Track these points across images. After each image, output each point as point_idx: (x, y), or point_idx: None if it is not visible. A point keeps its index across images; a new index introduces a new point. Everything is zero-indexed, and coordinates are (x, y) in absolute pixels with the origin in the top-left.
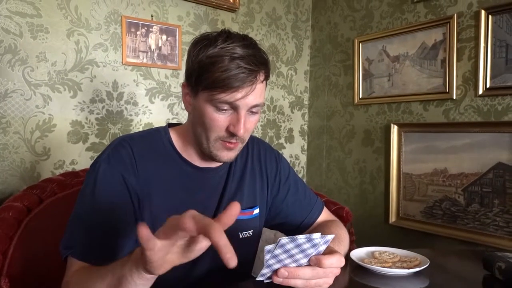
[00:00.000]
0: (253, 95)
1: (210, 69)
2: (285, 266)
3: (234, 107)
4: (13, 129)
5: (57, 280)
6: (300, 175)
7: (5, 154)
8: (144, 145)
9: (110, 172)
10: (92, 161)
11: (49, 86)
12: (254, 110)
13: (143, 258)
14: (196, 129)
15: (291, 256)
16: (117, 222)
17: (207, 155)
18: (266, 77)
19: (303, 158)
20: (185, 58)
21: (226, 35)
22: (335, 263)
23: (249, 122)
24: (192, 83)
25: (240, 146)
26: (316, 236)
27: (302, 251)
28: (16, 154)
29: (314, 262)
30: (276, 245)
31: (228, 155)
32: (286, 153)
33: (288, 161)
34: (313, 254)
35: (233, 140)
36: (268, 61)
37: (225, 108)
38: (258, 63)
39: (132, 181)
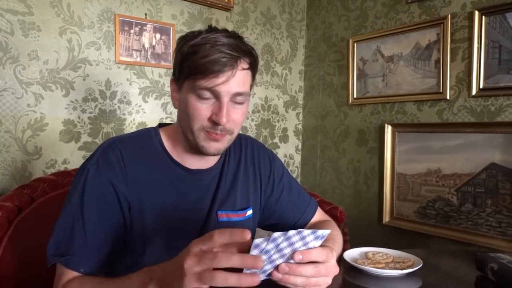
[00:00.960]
0: (235, 81)
1: (192, 57)
2: (273, 262)
3: (216, 95)
4: (4, 128)
5: (49, 281)
6: (294, 175)
7: None
8: (134, 148)
9: (98, 178)
10: (83, 162)
11: (41, 84)
12: (238, 99)
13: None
14: (182, 123)
15: (280, 250)
16: (107, 229)
17: (194, 148)
18: (251, 67)
19: (298, 158)
20: None
21: (211, 29)
22: (319, 256)
23: (235, 112)
24: (176, 75)
25: (228, 138)
26: (307, 232)
27: (291, 245)
28: (7, 153)
29: (297, 257)
30: (268, 239)
31: (215, 147)
32: (281, 152)
33: (282, 160)
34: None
35: (218, 131)
36: (253, 52)
37: (207, 96)
38: (240, 50)
39: (121, 187)
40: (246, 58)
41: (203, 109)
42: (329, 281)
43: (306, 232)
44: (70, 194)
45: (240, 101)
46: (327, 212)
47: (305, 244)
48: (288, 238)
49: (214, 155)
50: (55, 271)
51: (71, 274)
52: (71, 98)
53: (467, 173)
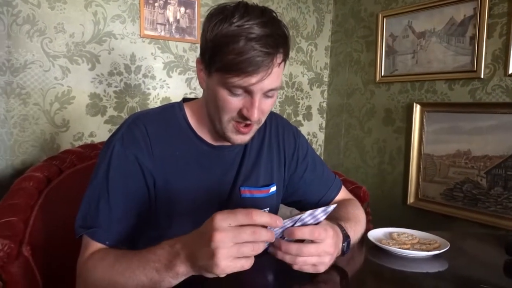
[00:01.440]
0: (269, 79)
1: (223, 49)
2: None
3: (248, 91)
4: (33, 100)
5: (77, 250)
6: (317, 153)
7: (25, 125)
8: (158, 123)
9: (124, 154)
10: (108, 136)
11: (68, 57)
12: (269, 93)
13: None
14: (210, 109)
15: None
16: (132, 203)
17: (221, 136)
18: (285, 57)
19: (321, 136)
20: None
21: (244, 9)
22: (306, 234)
23: (265, 105)
24: (206, 62)
25: (255, 127)
26: (319, 210)
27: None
28: (36, 125)
29: (286, 234)
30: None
31: (242, 138)
32: (304, 130)
33: (307, 139)
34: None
35: (247, 122)
36: (288, 38)
37: (239, 92)
38: (276, 44)
39: (146, 162)
40: (281, 51)
41: (234, 103)
42: (324, 260)
43: (317, 211)
44: (97, 168)
45: (272, 94)
46: (350, 191)
47: (316, 220)
48: (301, 220)
49: (241, 144)
50: (81, 240)
51: (96, 245)
52: (97, 71)
53: (498, 155)
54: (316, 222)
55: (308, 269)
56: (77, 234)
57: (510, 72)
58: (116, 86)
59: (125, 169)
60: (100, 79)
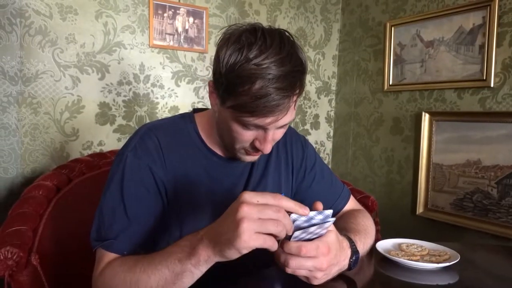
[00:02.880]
0: (285, 118)
1: (238, 89)
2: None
3: (262, 128)
4: (44, 110)
5: (85, 258)
6: (325, 162)
7: (36, 133)
8: (170, 135)
9: (137, 164)
10: (120, 148)
11: (78, 67)
12: (284, 128)
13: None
14: (221, 132)
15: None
16: (148, 213)
17: (231, 155)
18: (301, 91)
19: (329, 145)
20: (212, 40)
21: (262, 41)
22: (293, 249)
23: (277, 135)
24: (219, 94)
25: None
26: (313, 228)
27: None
28: (46, 134)
29: (294, 250)
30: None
31: (251, 158)
32: (312, 139)
33: (314, 147)
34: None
35: (258, 153)
36: (305, 70)
37: (252, 128)
38: (293, 85)
39: (159, 173)
40: (299, 87)
41: (246, 135)
42: (315, 275)
43: (311, 229)
44: (109, 181)
45: (285, 126)
46: (358, 201)
47: (315, 234)
48: (295, 237)
49: (250, 161)
50: (90, 250)
51: (113, 256)
52: (106, 81)
53: (509, 165)
54: (318, 231)
55: (301, 278)
56: (93, 247)
57: None
58: (125, 96)
59: (139, 180)
60: (109, 88)
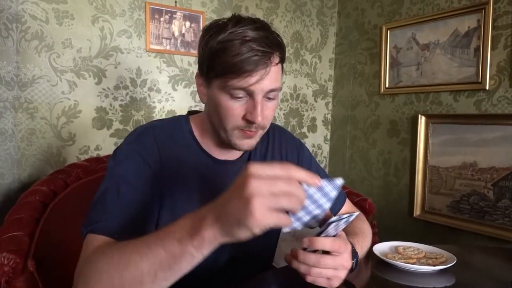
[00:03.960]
0: (268, 79)
1: (221, 55)
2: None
3: (249, 94)
4: (40, 115)
5: None
6: (322, 165)
7: (32, 139)
8: (166, 134)
9: (132, 155)
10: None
11: (75, 72)
12: (270, 95)
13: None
14: (213, 120)
15: (315, 201)
16: (140, 200)
17: (226, 144)
18: (281, 60)
19: (326, 148)
20: None
21: (236, 20)
22: (327, 245)
23: (267, 109)
24: (205, 72)
25: (260, 132)
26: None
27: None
28: (43, 139)
29: (306, 243)
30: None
31: (248, 143)
32: (309, 142)
33: (310, 150)
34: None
35: (252, 129)
36: (282, 43)
37: (240, 95)
38: (271, 44)
39: (154, 167)
40: (277, 51)
41: (236, 108)
42: (339, 274)
43: (341, 222)
44: (105, 176)
45: (273, 96)
46: (355, 203)
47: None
48: (323, 231)
49: (247, 150)
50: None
51: (102, 239)
52: (103, 85)
53: (505, 167)
54: (336, 232)
55: (322, 282)
56: (83, 233)
57: None
58: (122, 100)
59: (134, 168)
60: (106, 93)
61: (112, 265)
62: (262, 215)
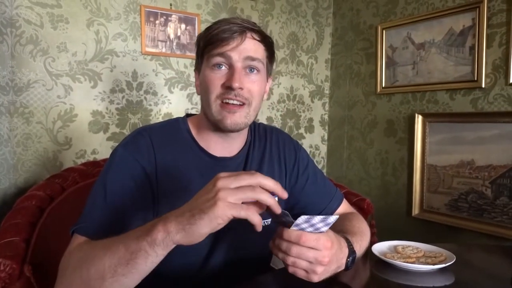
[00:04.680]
0: (245, 47)
1: (205, 34)
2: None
3: (228, 62)
4: (36, 119)
5: None
6: (320, 166)
7: (28, 143)
8: (163, 135)
9: (126, 157)
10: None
11: (70, 76)
12: (252, 64)
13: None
14: (203, 102)
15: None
16: (130, 204)
17: (214, 124)
18: (264, 43)
19: (323, 149)
20: None
21: (223, 19)
22: (312, 241)
23: (249, 81)
24: (198, 59)
25: (245, 111)
26: (317, 218)
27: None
28: (39, 143)
29: (294, 237)
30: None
31: (232, 120)
32: (306, 143)
33: (308, 151)
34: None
35: (231, 96)
36: (268, 37)
37: (219, 61)
38: (251, 25)
39: (149, 169)
40: (255, 33)
41: (217, 77)
42: (315, 268)
43: (316, 219)
44: (99, 176)
45: (253, 66)
46: (354, 203)
47: (316, 229)
48: (297, 225)
49: (232, 129)
50: None
51: (82, 239)
52: (99, 89)
53: (503, 165)
54: (316, 232)
55: (300, 274)
56: (70, 232)
57: (511, 81)
58: (118, 103)
59: (126, 171)
60: (102, 96)
61: (82, 260)
62: (225, 205)
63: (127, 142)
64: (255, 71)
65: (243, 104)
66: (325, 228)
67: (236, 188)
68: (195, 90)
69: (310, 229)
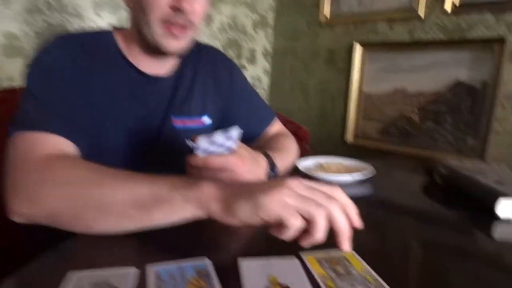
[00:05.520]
0: None
1: None
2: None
3: None
4: None
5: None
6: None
7: None
8: (89, 47)
9: (60, 54)
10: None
11: None
12: None
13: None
14: (137, 19)
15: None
16: (80, 96)
17: (152, 47)
18: None
19: (266, 81)
20: None
21: None
22: (219, 163)
23: (197, 2)
24: None
25: (190, 35)
26: (218, 135)
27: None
28: None
29: (201, 163)
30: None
31: (175, 45)
32: (248, 74)
33: (250, 83)
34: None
35: (179, 19)
36: None
37: None
38: None
39: (88, 76)
40: None
41: None
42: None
43: (216, 136)
44: (30, 85)
45: None
46: (292, 133)
47: (227, 148)
48: (201, 149)
49: (174, 53)
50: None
51: (57, 141)
52: (13, 9)
53: (433, 93)
54: (224, 142)
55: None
56: (12, 134)
57: (448, 11)
58: (37, 26)
59: (65, 65)
60: (16, 17)
61: (83, 183)
62: (278, 202)
63: (58, 46)
64: None
65: (188, 27)
66: (233, 144)
67: (302, 195)
68: (126, 15)
69: (220, 149)
